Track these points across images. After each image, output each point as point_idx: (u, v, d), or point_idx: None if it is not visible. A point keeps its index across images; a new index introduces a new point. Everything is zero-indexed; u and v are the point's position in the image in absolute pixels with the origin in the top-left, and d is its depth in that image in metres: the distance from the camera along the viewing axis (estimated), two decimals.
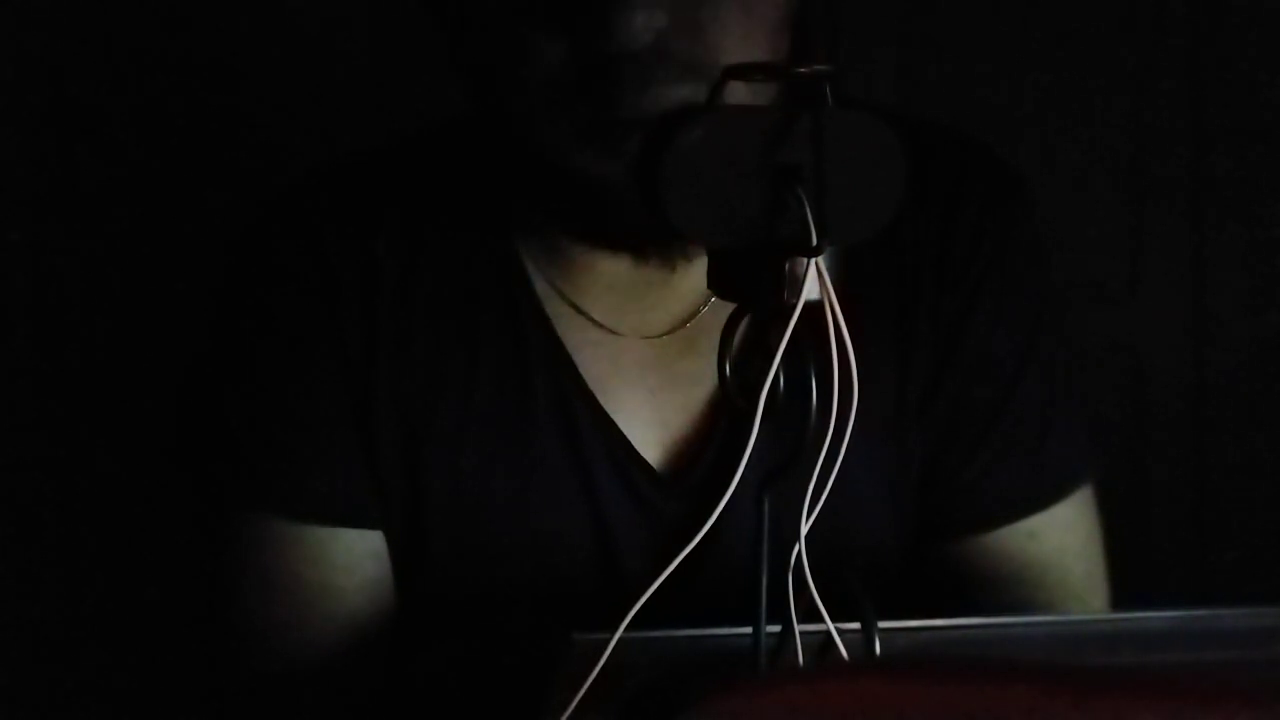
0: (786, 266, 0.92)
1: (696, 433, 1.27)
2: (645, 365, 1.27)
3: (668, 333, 1.27)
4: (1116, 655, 0.99)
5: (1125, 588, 1.33)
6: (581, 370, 1.26)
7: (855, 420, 0.94)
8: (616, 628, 0.94)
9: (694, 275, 1.09)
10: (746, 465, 0.93)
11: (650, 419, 1.27)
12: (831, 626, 0.94)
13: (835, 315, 0.92)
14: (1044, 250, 1.33)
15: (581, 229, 1.23)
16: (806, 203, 0.92)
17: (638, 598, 0.94)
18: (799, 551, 0.93)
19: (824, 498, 0.93)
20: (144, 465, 1.62)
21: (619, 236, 1.21)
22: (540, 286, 1.27)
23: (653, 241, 1.21)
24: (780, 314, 0.91)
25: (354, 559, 1.26)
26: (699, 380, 1.26)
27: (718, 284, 0.97)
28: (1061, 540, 1.31)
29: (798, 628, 0.94)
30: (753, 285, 0.94)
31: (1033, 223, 1.32)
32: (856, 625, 0.94)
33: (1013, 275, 1.30)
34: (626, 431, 1.26)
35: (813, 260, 0.92)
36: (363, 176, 1.30)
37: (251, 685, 1.28)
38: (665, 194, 0.93)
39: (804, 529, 0.93)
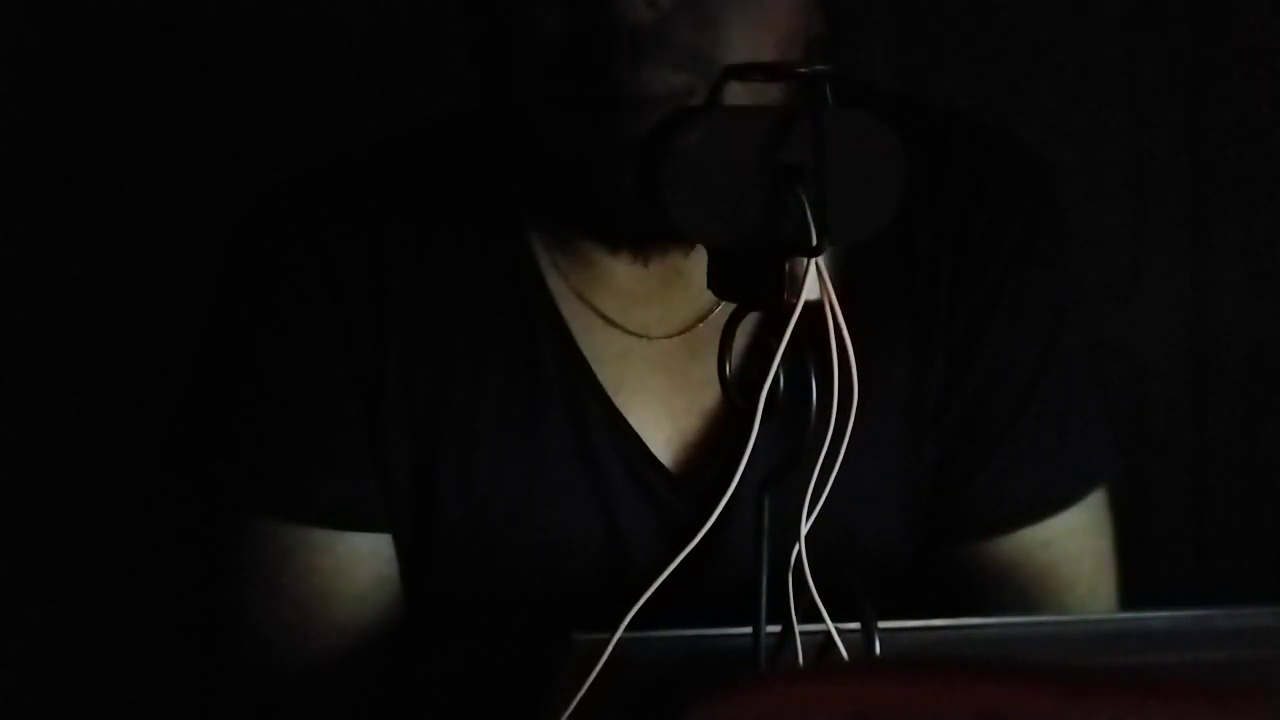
0: (786, 266, 0.92)
1: (709, 434, 1.26)
2: (658, 366, 1.26)
3: (681, 333, 1.27)
4: (1116, 655, 0.99)
5: (1125, 588, 1.33)
6: (595, 370, 1.25)
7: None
8: (617, 627, 0.94)
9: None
10: (752, 465, 0.93)
11: (663, 420, 1.26)
12: (831, 626, 0.94)
13: (835, 315, 0.92)
14: (1066, 245, 1.30)
15: (578, 221, 1.22)
16: (806, 203, 0.92)
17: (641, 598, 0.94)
18: (799, 551, 0.93)
19: (824, 498, 0.93)
20: (146, 467, 1.62)
21: (611, 228, 1.20)
22: (553, 283, 1.26)
23: (644, 236, 1.20)
24: (780, 314, 0.92)
25: (360, 562, 1.26)
26: (712, 381, 1.24)
27: (718, 284, 0.97)
28: (1073, 545, 1.29)
29: (798, 628, 0.94)
30: (753, 285, 0.94)
31: (1056, 218, 1.29)
32: (856, 625, 0.95)
33: (1033, 276, 1.27)
34: (639, 432, 1.25)
35: (813, 260, 0.92)
36: (366, 170, 1.29)
37: (256, 689, 1.27)
38: (666, 194, 0.93)
39: (804, 529, 0.93)
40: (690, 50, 1.12)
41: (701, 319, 1.26)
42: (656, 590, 0.94)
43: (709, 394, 1.26)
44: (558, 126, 1.15)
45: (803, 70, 0.98)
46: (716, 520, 0.96)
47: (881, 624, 0.94)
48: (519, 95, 1.17)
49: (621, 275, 1.25)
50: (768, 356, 0.92)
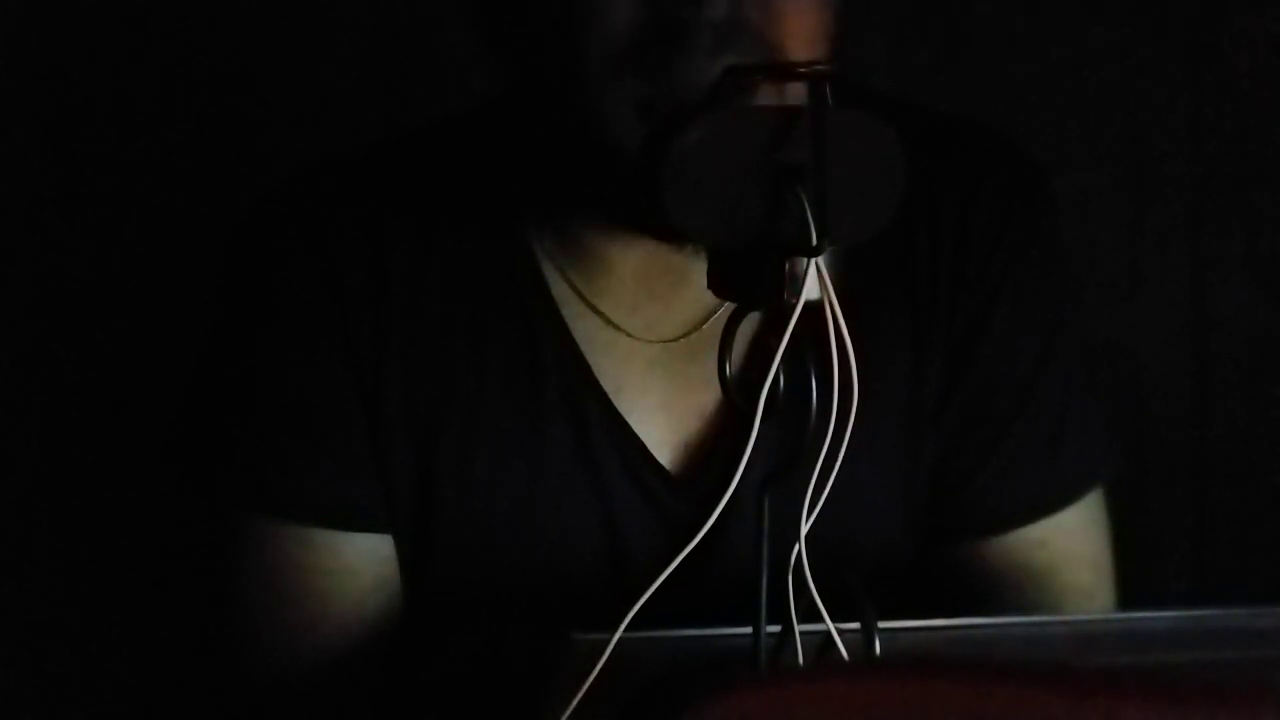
0: (786, 266, 0.92)
1: (709, 435, 1.26)
2: (659, 367, 1.26)
3: (681, 336, 1.27)
4: (1116, 655, 0.99)
5: (1125, 588, 1.33)
6: (595, 371, 1.25)
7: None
8: (617, 627, 0.94)
9: None
10: (752, 466, 0.93)
11: (663, 421, 1.26)
12: (831, 626, 0.94)
13: (835, 315, 0.92)
14: (1063, 247, 1.31)
15: (609, 217, 1.22)
16: (806, 202, 0.92)
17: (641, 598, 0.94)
18: (799, 551, 0.93)
19: (824, 498, 0.93)
20: (147, 467, 1.62)
21: (644, 224, 1.19)
22: (554, 284, 1.26)
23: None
24: (780, 314, 0.92)
25: (361, 562, 1.26)
26: (712, 383, 1.24)
27: (718, 284, 0.97)
28: (1071, 545, 1.30)
29: (798, 628, 0.94)
30: (753, 285, 0.94)
31: (1053, 219, 1.30)
32: (856, 625, 0.95)
33: (1032, 276, 1.28)
34: (639, 433, 1.25)
35: (813, 260, 0.92)
36: (367, 170, 1.29)
37: (256, 688, 1.27)
38: (666, 194, 0.93)
39: (804, 529, 0.93)
40: (759, 40, 1.12)
41: (702, 322, 1.26)
42: (656, 590, 0.94)
43: (709, 396, 1.26)
44: (617, 123, 1.14)
45: (803, 70, 0.99)
46: (716, 521, 0.96)
47: (881, 624, 0.94)
48: (573, 92, 1.16)
49: (623, 277, 1.25)
50: (768, 357, 0.92)
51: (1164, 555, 1.82)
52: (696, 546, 0.94)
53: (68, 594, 1.76)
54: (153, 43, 1.74)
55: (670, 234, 0.98)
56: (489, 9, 1.22)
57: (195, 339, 1.31)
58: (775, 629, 0.94)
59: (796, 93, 1.10)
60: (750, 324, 0.97)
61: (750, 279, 0.94)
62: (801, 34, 1.14)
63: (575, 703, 0.95)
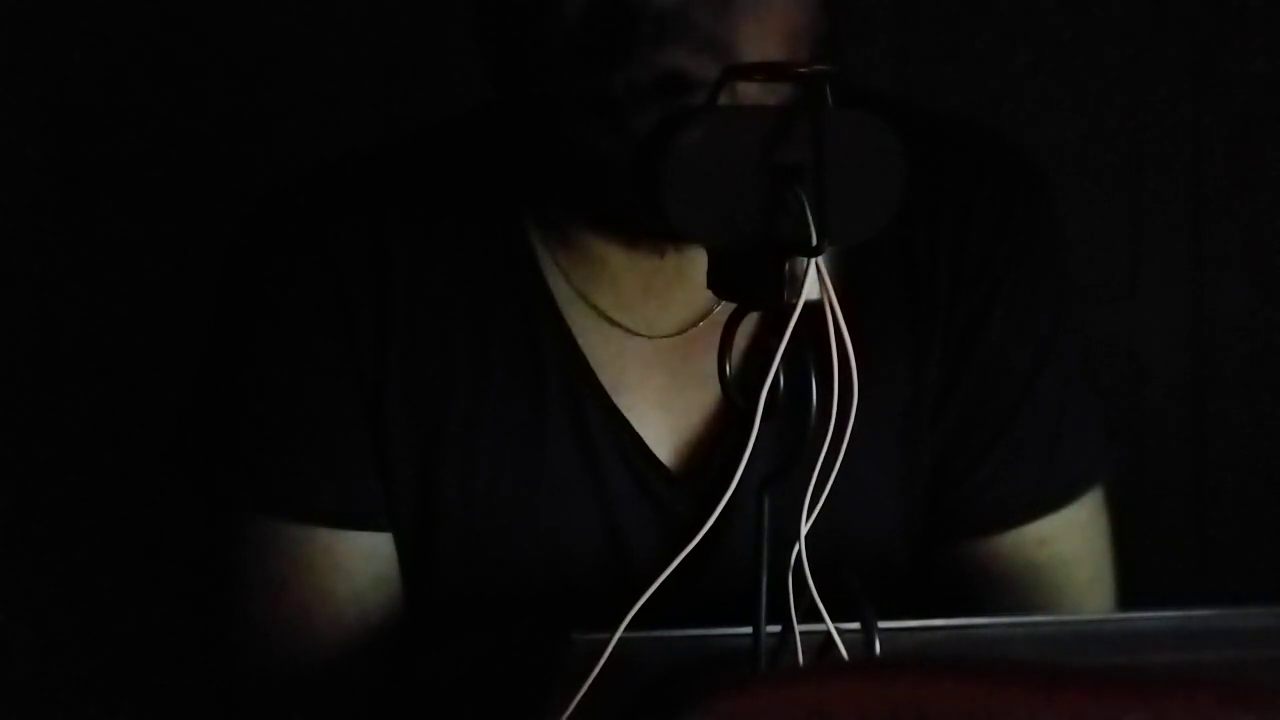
0: (786, 266, 0.92)
1: (709, 432, 1.27)
2: (658, 364, 1.27)
3: (681, 332, 1.27)
4: (1116, 655, 0.99)
5: (1125, 588, 1.33)
6: (595, 368, 1.26)
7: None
8: (617, 627, 0.94)
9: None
10: (752, 465, 0.93)
11: (663, 418, 1.27)
12: (831, 626, 0.94)
13: (835, 315, 0.92)
14: (1063, 247, 1.31)
15: (587, 213, 1.22)
16: (806, 203, 0.92)
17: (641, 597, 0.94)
18: (799, 551, 0.93)
19: (824, 497, 0.93)
20: (147, 466, 1.62)
21: (618, 220, 1.20)
22: (554, 282, 1.26)
23: (649, 230, 1.20)
24: (780, 314, 0.92)
25: (362, 562, 1.26)
26: (712, 380, 1.24)
27: (718, 284, 0.97)
28: (1070, 543, 1.30)
29: (798, 628, 0.94)
30: (753, 285, 0.94)
31: (1052, 220, 1.30)
32: (856, 625, 0.95)
33: (1030, 277, 1.28)
34: (639, 430, 1.26)
35: (813, 260, 0.92)
36: (368, 170, 1.29)
37: (256, 687, 1.28)
38: (665, 194, 0.93)
39: (804, 529, 0.93)
40: (708, 36, 1.12)
41: (701, 318, 1.27)
42: (657, 590, 0.94)
43: (709, 393, 1.26)
44: (571, 118, 1.15)
45: (803, 70, 0.99)
46: (716, 520, 0.96)
47: (881, 624, 0.94)
48: (536, 87, 1.17)
49: (622, 274, 1.26)
50: (768, 356, 0.92)
51: (1164, 555, 1.82)
52: (696, 546, 0.94)
53: (67, 594, 1.76)
54: (153, 44, 1.74)
55: (669, 234, 0.98)
56: (473, 4, 1.22)
57: (196, 339, 1.31)
58: (775, 629, 0.94)
59: (752, 93, 1.10)
60: (750, 323, 0.97)
61: (750, 279, 0.94)
62: (755, 35, 1.14)
63: (575, 703, 0.95)
